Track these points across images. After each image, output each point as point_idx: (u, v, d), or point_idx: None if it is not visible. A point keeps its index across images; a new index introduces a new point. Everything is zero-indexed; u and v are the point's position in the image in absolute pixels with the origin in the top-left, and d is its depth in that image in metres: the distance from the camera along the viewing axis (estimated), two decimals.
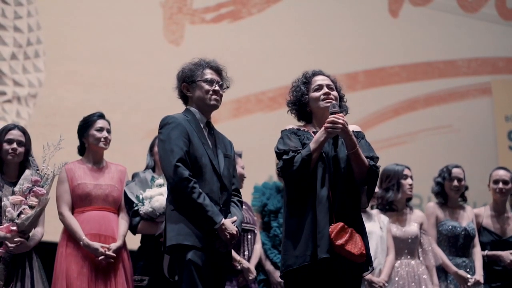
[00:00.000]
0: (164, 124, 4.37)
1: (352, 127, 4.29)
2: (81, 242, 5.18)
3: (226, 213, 4.34)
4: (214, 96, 4.43)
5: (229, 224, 4.24)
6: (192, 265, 4.14)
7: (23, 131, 5.22)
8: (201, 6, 8.32)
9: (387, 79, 9.25)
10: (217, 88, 4.43)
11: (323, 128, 4.19)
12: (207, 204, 4.18)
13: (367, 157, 4.25)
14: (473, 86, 9.89)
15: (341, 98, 4.48)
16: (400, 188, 6.13)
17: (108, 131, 5.47)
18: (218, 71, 4.49)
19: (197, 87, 4.43)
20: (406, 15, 9.61)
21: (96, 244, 5.20)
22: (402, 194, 6.14)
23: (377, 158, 4.33)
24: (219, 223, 4.18)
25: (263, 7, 8.68)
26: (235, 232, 4.24)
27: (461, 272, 6.14)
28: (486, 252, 6.27)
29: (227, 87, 4.53)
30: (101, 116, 5.51)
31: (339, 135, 4.21)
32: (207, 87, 4.41)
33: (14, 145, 5.12)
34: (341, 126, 4.13)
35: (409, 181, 6.14)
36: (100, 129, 5.43)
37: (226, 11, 8.47)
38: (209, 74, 4.44)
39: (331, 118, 4.16)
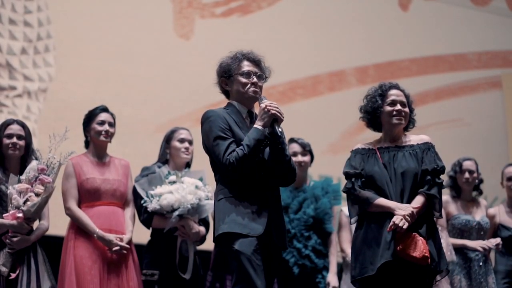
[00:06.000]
0: (205, 119, 4.27)
1: (420, 137, 4.65)
2: (95, 235, 5.19)
3: (277, 199, 4.28)
4: (252, 88, 4.31)
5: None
6: (241, 254, 4.02)
7: (22, 125, 5.21)
8: (211, 0, 8.32)
9: (397, 72, 9.22)
10: (255, 80, 4.32)
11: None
12: (246, 145, 4.08)
13: (429, 170, 4.50)
14: (484, 79, 9.87)
15: (411, 112, 4.71)
16: None
17: (111, 125, 5.46)
18: (256, 62, 4.36)
19: (235, 81, 4.33)
20: (416, 9, 9.59)
21: (111, 236, 5.22)
22: None
23: (441, 168, 4.56)
24: (262, 130, 4.12)
25: (273, 1, 8.67)
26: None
27: (480, 243, 6.14)
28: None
29: (267, 78, 4.42)
30: (104, 109, 5.50)
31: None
32: (244, 80, 4.30)
33: (14, 139, 5.12)
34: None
35: None
36: (102, 123, 5.42)
37: (235, 5, 8.46)
38: (246, 66, 4.33)
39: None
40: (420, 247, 4.30)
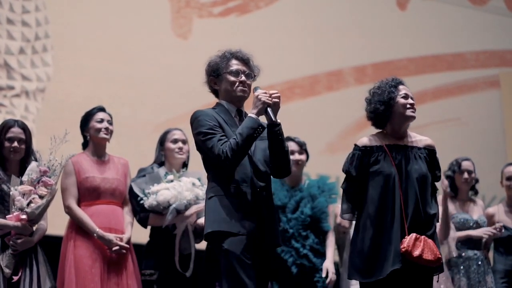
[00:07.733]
0: (194, 119, 4.27)
1: (427, 141, 4.66)
2: (95, 234, 5.20)
3: (268, 196, 4.28)
4: (240, 87, 4.31)
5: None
6: (230, 253, 4.03)
7: (23, 128, 5.17)
8: (208, 0, 8.33)
9: (395, 72, 9.20)
10: (243, 78, 4.31)
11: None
12: (238, 134, 4.09)
13: (435, 179, 4.64)
14: (482, 79, 9.87)
15: None
16: None
17: (109, 122, 5.49)
18: (244, 60, 4.35)
19: (223, 80, 4.32)
20: (414, 8, 9.60)
21: (110, 235, 5.24)
22: None
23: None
24: (256, 118, 4.12)
25: (271, 1, 8.68)
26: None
27: (484, 230, 6.17)
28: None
29: (256, 76, 4.40)
30: (101, 109, 5.53)
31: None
32: (232, 78, 4.30)
33: (15, 143, 5.08)
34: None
35: None
36: (101, 120, 5.45)
37: (233, 4, 8.47)
38: (234, 65, 4.32)
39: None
40: (433, 250, 4.34)
